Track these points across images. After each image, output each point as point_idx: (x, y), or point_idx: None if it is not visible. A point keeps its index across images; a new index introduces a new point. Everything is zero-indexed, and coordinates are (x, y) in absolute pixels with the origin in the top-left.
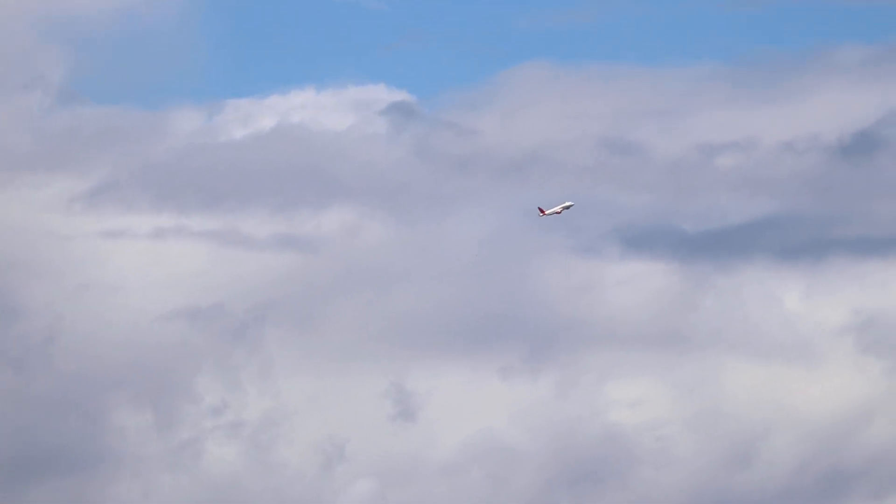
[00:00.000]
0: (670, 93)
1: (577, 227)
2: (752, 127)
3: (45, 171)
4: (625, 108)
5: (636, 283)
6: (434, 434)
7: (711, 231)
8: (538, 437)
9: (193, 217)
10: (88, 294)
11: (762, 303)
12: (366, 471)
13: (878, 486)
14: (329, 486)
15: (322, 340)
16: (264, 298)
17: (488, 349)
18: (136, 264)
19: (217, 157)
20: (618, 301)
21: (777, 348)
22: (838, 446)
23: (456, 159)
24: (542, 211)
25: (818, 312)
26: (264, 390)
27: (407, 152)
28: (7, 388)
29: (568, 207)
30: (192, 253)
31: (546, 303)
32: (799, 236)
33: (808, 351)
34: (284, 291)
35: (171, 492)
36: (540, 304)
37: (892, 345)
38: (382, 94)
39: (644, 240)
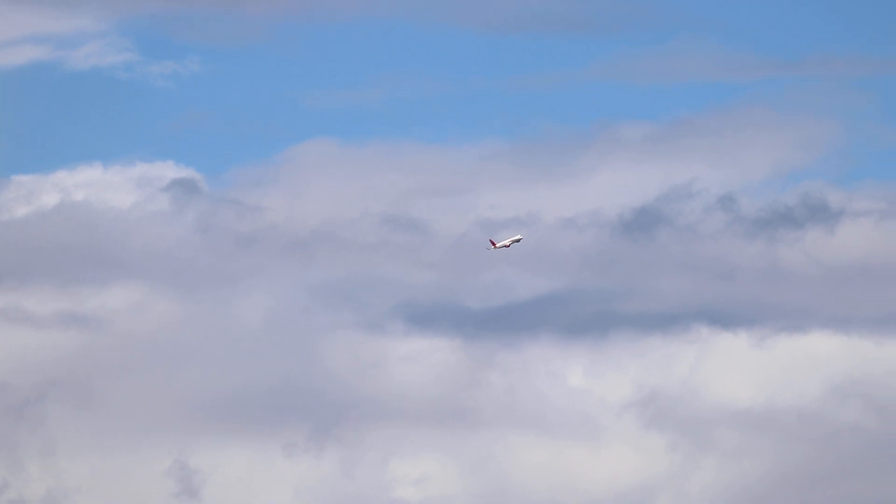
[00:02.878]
0: (454, 170)
1: (361, 304)
2: (534, 203)
3: None
4: (408, 186)
5: (421, 360)
6: None
7: (495, 308)
8: None
9: None
10: None
11: (547, 379)
12: None
13: None
14: None
15: (105, 418)
16: (47, 376)
17: (273, 426)
18: None
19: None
20: (403, 378)
21: (562, 424)
22: None
23: (240, 236)
24: (493, 244)
25: (601, 388)
26: (46, 468)
27: (190, 229)
28: None
29: (518, 241)
30: None
31: (331, 380)
32: (582, 312)
33: (593, 427)
34: (67, 369)
35: None
36: (325, 381)
37: (675, 420)
38: (169, 172)
39: (428, 316)
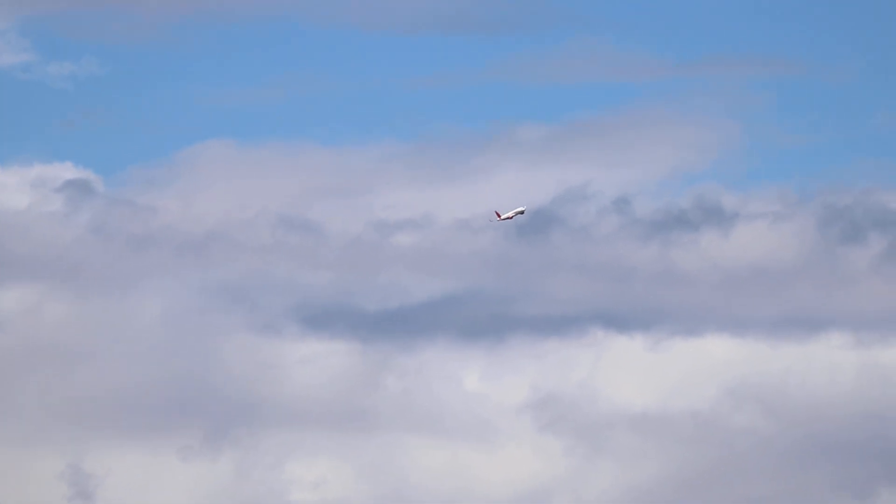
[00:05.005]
0: (350, 171)
1: (257, 306)
2: (430, 205)
3: None
4: (304, 187)
5: (317, 362)
6: None
7: (391, 310)
8: None
9: None
10: None
11: (443, 382)
12: None
13: None
14: None
15: None
16: None
17: (168, 429)
18: None
19: None
20: (299, 380)
21: (458, 427)
22: None
23: (134, 237)
24: (498, 215)
25: (498, 391)
26: None
27: (84, 230)
28: None
29: (521, 213)
30: None
31: (226, 382)
32: (478, 315)
33: (489, 429)
34: None
35: None
36: (220, 384)
37: (571, 423)
38: (67, 173)
39: (324, 318)
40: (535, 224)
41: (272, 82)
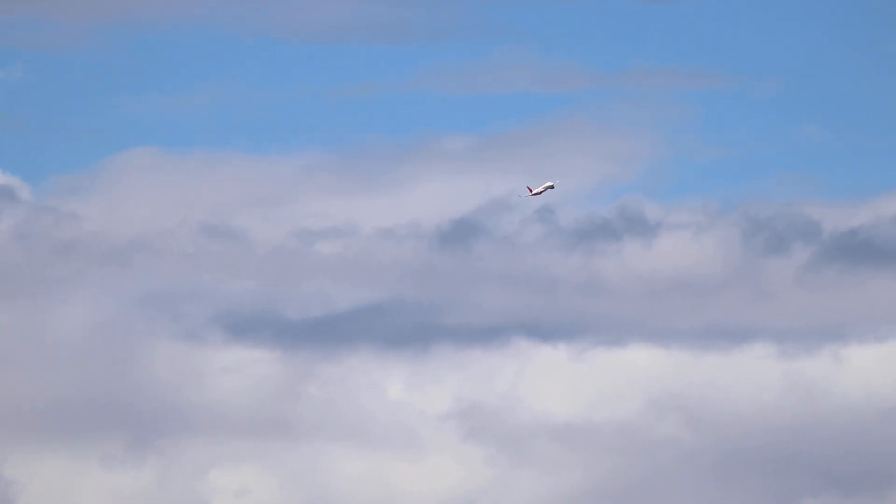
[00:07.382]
0: (274, 180)
1: (180, 314)
2: (353, 214)
3: None
4: (228, 195)
5: (241, 371)
6: None
7: (314, 318)
8: None
9: None
10: None
11: (366, 391)
12: None
13: None
14: None
15: None
16: None
17: (90, 437)
18: None
19: None
20: (222, 388)
21: (382, 436)
22: None
23: (58, 245)
24: (530, 190)
25: (421, 400)
26: None
27: (7, 237)
28: None
29: (551, 188)
30: None
31: (149, 390)
32: (402, 324)
33: (412, 439)
34: None
35: None
36: (143, 392)
37: (494, 433)
38: None
39: (247, 327)
40: (457, 233)
41: (197, 90)
